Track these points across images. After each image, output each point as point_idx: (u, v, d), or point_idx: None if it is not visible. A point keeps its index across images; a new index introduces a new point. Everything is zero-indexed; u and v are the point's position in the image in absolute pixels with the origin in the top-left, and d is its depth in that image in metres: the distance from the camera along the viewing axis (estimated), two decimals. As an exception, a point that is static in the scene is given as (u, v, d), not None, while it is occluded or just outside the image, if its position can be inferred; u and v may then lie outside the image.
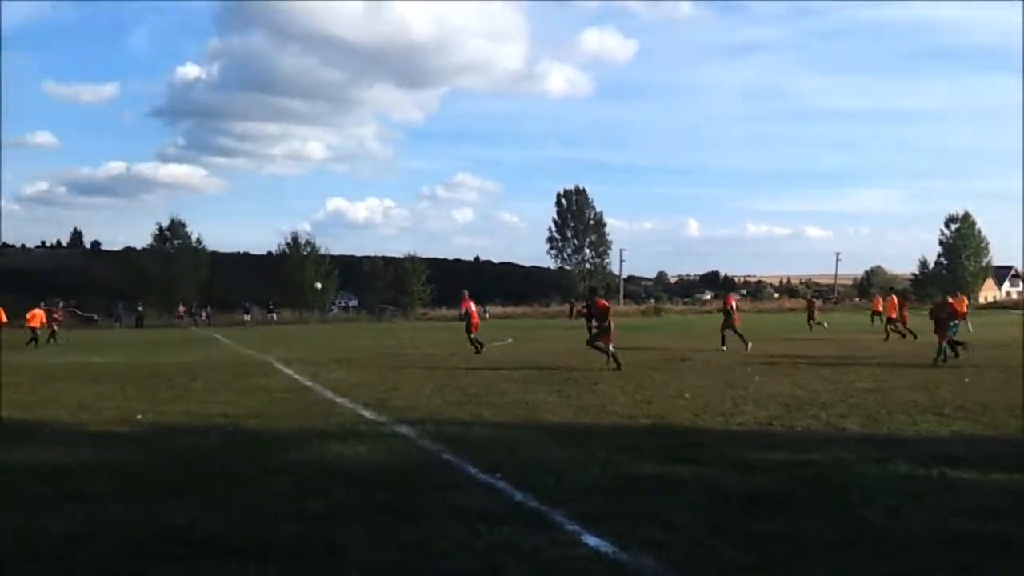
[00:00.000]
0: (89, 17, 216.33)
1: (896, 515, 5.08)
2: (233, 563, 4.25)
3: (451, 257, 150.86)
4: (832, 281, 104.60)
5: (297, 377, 14.64)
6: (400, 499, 5.57)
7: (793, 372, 14.24)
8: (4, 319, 15.65)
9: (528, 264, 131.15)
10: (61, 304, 30.63)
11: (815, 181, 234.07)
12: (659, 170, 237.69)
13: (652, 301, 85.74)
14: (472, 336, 19.94)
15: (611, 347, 15.40)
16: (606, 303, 16.50)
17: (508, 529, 4.78)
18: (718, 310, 24.97)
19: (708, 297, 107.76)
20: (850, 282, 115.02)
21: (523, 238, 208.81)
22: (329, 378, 14.34)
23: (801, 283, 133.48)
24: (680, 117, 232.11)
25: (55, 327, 29.43)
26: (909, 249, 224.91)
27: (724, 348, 19.95)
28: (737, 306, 22.50)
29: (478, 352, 19.44)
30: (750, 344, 19.72)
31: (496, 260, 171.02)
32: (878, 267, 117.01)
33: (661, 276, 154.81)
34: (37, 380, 14.27)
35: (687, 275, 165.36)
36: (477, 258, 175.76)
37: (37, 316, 27.74)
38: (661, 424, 8.83)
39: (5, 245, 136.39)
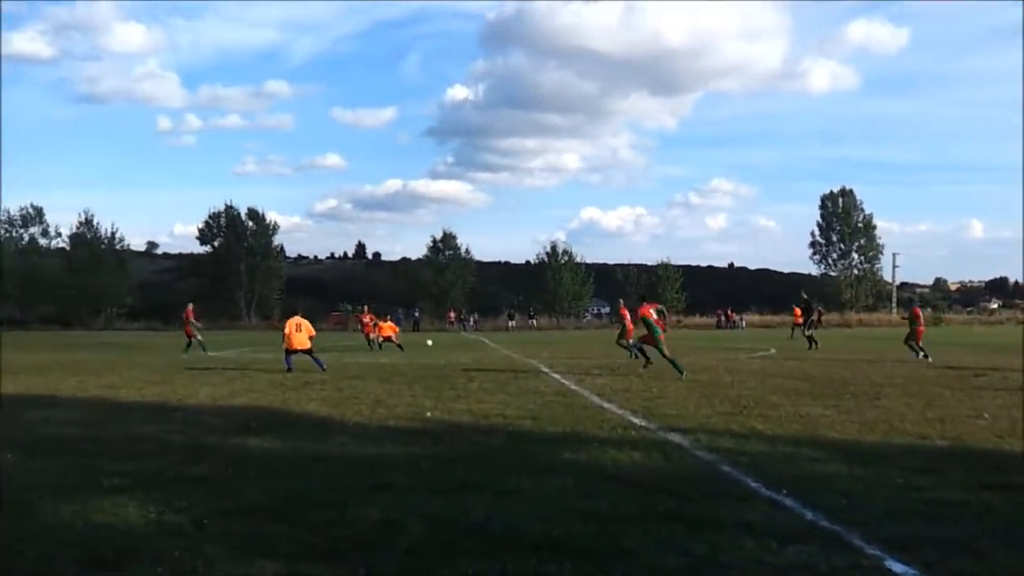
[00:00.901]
0: (368, 48, 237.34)
1: None
2: (532, 558, 4.48)
3: (704, 264, 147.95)
4: None
5: (563, 381, 15.05)
6: (683, 507, 5.57)
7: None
8: (313, 332, 17.77)
9: (786, 270, 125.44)
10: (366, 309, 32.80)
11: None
12: (935, 167, 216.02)
13: (929, 310, 78.52)
14: (625, 343, 21.67)
15: (666, 352, 15.88)
16: (647, 310, 16.50)
17: (804, 548, 4.61)
18: (903, 318, 24.05)
19: (995, 306, 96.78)
20: None
21: (780, 243, 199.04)
22: (594, 383, 14.62)
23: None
24: (959, 108, 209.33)
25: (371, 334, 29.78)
26: None
27: (926, 358, 19.91)
28: (924, 318, 22.45)
29: (632, 357, 20.57)
30: (931, 358, 19.55)
31: (751, 267, 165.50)
32: None
33: (939, 282, 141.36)
34: (338, 378, 15.86)
35: (969, 281, 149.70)
36: (731, 264, 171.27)
37: (388, 326, 29.73)
38: (960, 446, 8.07)
39: (301, 257, 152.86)
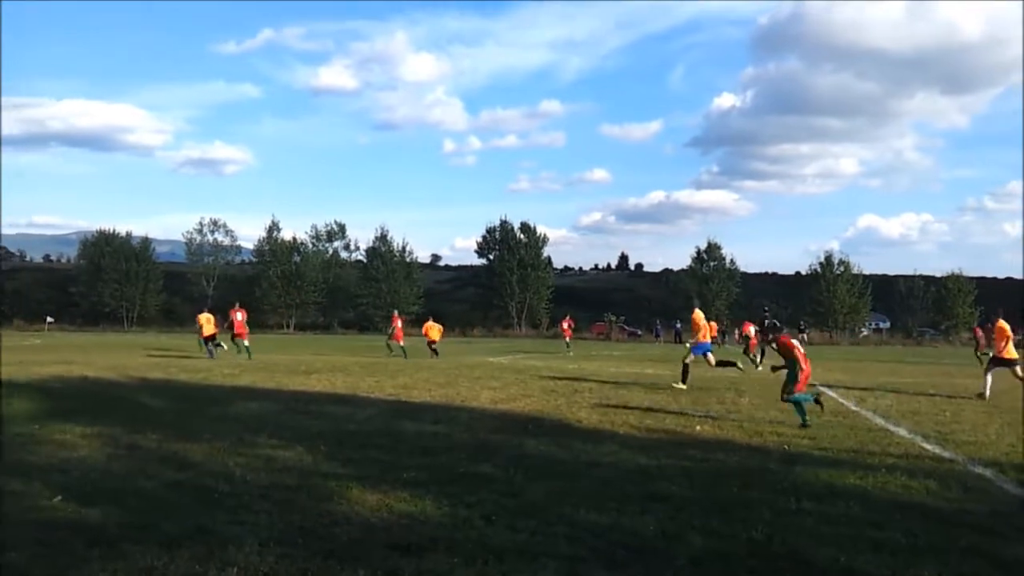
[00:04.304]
0: (635, 62, 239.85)
1: None
2: (818, 583, 4.33)
3: (1001, 276, 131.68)
4: None
5: (841, 401, 14.23)
6: (989, 545, 5.10)
7: None
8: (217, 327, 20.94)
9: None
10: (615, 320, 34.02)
11: None
12: None
13: None
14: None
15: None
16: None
17: None
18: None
19: None
20: None
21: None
22: (877, 404, 13.68)
23: None
24: None
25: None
26: None
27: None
28: None
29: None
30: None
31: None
32: None
33: None
34: (605, 387, 16.14)
35: None
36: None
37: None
38: None
39: (567, 268, 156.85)
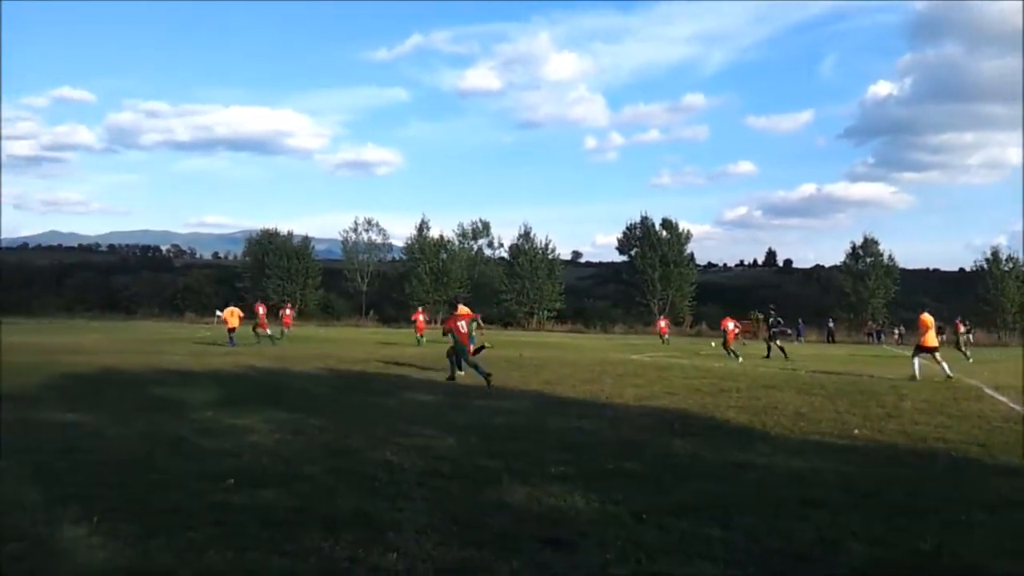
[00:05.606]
0: (779, 53, 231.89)
1: None
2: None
3: None
4: None
5: (1013, 406, 13.23)
6: None
7: None
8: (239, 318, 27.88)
9: None
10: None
11: None
12: None
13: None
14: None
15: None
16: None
17: None
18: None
19: None
20: None
21: None
22: (1055, 410, 12.66)
23: None
24: None
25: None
26: None
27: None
28: None
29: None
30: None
31: None
32: None
33: None
34: (753, 387, 15.70)
35: None
36: None
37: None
38: None
39: (710, 264, 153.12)
